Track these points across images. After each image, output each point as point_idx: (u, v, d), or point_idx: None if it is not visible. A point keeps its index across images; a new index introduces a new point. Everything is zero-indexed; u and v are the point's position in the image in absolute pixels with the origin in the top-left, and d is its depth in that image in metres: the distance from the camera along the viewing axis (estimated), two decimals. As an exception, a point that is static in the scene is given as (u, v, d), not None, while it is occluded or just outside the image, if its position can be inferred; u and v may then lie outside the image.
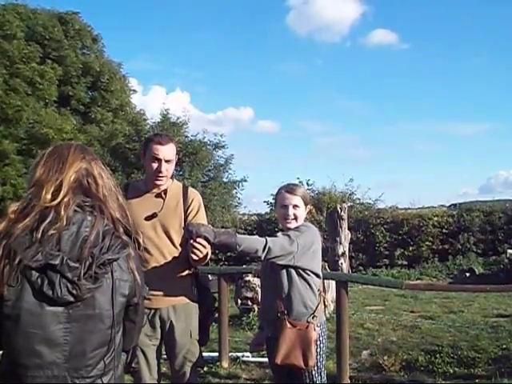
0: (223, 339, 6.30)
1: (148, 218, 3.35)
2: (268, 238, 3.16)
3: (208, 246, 3.05)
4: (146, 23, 64.56)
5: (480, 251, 18.06)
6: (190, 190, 3.58)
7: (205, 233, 2.98)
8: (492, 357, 6.07)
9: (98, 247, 1.79)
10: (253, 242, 3.14)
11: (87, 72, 23.57)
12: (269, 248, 3.10)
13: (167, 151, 3.37)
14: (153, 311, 3.34)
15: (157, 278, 3.11)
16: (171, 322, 3.38)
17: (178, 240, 3.37)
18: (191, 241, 3.00)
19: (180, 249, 3.37)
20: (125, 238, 1.90)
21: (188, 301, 3.44)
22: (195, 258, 3.04)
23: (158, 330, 3.40)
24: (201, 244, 2.98)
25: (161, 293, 3.30)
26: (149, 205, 3.39)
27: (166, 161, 3.36)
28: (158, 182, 3.39)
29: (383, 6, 66.94)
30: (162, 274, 3.26)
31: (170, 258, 3.36)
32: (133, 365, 3.28)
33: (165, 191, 3.44)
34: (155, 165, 3.34)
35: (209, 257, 3.28)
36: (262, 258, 3.15)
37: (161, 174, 3.35)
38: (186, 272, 3.44)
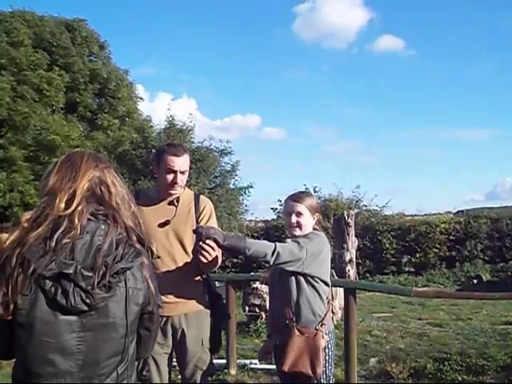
0: (231, 346, 6.31)
1: (161, 226, 3.34)
2: (277, 244, 3.16)
3: (217, 249, 3.03)
4: (152, 29, 64.55)
5: (487, 258, 18.01)
6: (202, 197, 3.58)
7: (214, 235, 2.98)
8: (501, 364, 6.04)
9: (111, 256, 1.79)
10: (262, 247, 3.14)
11: (94, 79, 23.63)
12: (278, 253, 3.10)
13: (182, 163, 3.37)
14: (165, 319, 3.32)
15: (169, 286, 3.10)
16: (183, 329, 3.37)
17: (190, 247, 3.36)
18: (200, 242, 2.99)
19: (192, 256, 3.35)
20: (138, 246, 1.89)
21: (200, 308, 3.43)
22: (204, 260, 3.02)
23: (170, 338, 3.39)
24: (209, 246, 2.97)
25: (173, 300, 3.30)
26: (161, 212, 3.38)
27: (181, 172, 3.36)
28: (173, 192, 3.39)
29: (390, 12, 66.87)
30: (174, 282, 3.22)
31: (182, 265, 3.35)
32: (144, 373, 3.30)
33: (177, 199, 3.43)
34: (170, 176, 3.34)
35: (219, 262, 3.27)
36: (271, 263, 3.16)
37: (176, 185, 3.36)
38: (199, 279, 3.43)
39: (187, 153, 3.47)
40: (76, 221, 1.80)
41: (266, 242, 3.25)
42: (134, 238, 1.90)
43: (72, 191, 1.87)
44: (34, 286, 1.73)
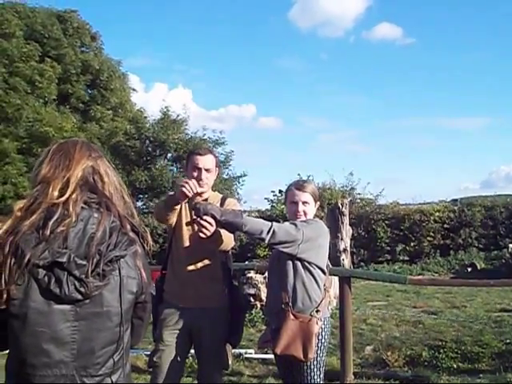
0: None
1: (187, 224, 3.57)
2: (274, 223, 3.23)
3: (214, 225, 3.15)
4: (146, 19, 64.36)
5: (482, 246, 18.03)
6: (229, 199, 3.75)
7: (211, 210, 3.12)
8: (496, 351, 6.06)
9: (105, 244, 1.78)
10: (258, 224, 3.23)
11: (86, 70, 23.62)
12: (273, 231, 3.17)
13: (206, 161, 3.60)
14: (184, 311, 3.49)
15: (191, 281, 3.48)
16: (201, 323, 3.49)
17: (212, 246, 3.48)
18: (197, 218, 3.14)
19: (214, 255, 3.53)
20: (131, 234, 1.88)
21: (220, 304, 3.56)
22: (203, 235, 3.16)
23: (187, 330, 3.52)
24: (207, 221, 3.11)
25: (194, 295, 3.47)
26: (189, 212, 3.57)
27: (206, 169, 3.58)
28: (199, 190, 3.50)
29: (388, -1, 66.41)
30: (195, 277, 3.48)
31: (204, 263, 3.53)
32: (154, 359, 3.45)
33: (205, 200, 3.59)
34: (195, 173, 3.56)
35: (231, 241, 3.51)
36: (266, 242, 3.22)
37: (201, 182, 3.52)
38: (220, 276, 3.59)
39: (212, 154, 3.73)
40: (71, 208, 1.79)
41: (262, 220, 3.33)
42: (128, 226, 1.89)
43: (66, 179, 1.86)
44: (27, 275, 1.71)
